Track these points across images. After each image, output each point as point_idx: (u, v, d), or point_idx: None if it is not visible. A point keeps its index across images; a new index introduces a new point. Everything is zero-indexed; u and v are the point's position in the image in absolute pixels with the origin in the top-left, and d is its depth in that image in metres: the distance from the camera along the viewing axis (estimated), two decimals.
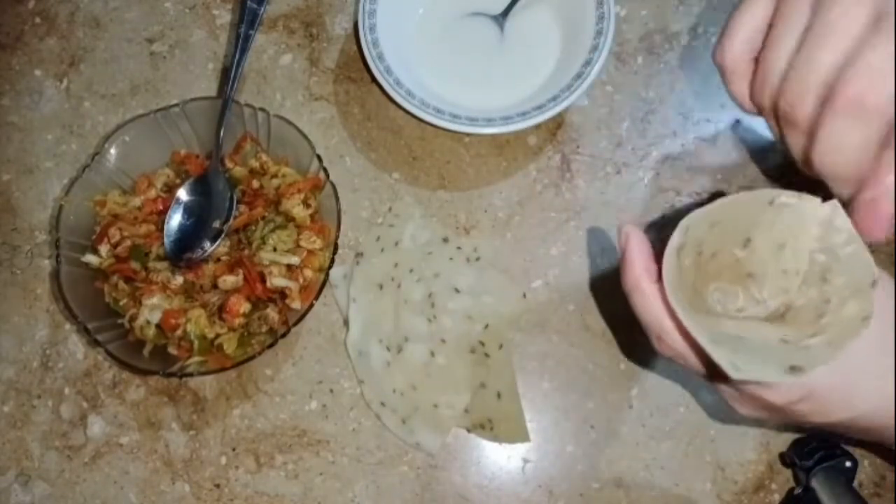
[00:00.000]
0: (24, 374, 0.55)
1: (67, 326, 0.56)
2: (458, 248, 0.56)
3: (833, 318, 0.32)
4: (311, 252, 0.53)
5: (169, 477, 0.52)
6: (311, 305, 0.50)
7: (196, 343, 0.51)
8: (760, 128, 0.59)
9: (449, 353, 0.53)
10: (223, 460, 0.52)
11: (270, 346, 0.49)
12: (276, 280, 0.52)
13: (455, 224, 0.57)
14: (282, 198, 0.54)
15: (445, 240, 0.56)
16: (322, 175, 0.53)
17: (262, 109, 0.54)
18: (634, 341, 0.53)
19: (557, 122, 0.60)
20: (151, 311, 0.51)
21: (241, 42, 0.56)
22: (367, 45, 0.57)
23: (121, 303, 0.52)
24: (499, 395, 0.52)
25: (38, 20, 0.65)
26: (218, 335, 0.51)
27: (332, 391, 0.54)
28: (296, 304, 0.52)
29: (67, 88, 0.63)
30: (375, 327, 0.54)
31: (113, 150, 0.54)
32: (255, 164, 0.56)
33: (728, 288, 0.35)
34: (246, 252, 0.53)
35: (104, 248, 0.53)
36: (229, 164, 0.56)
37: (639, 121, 0.60)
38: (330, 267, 0.51)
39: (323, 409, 0.53)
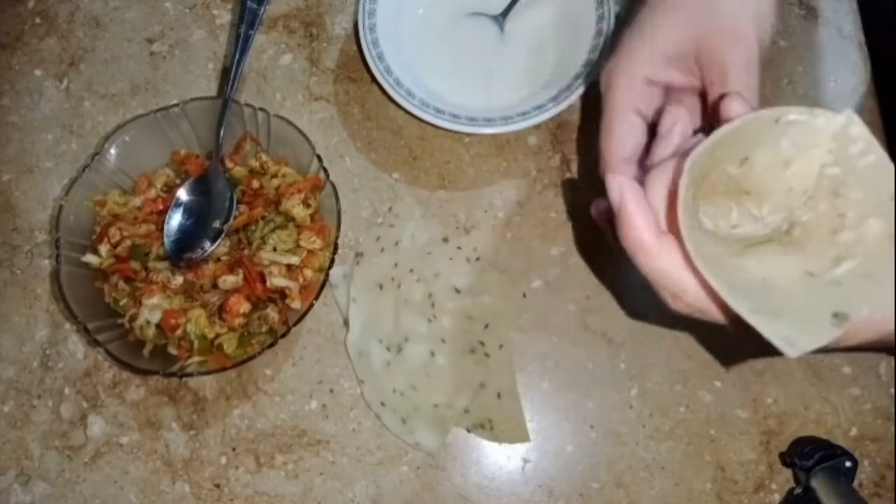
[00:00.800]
0: (24, 374, 0.55)
1: (67, 326, 0.56)
2: (458, 248, 0.56)
3: (854, 235, 0.30)
4: (311, 252, 0.53)
5: (169, 477, 0.52)
6: (311, 305, 0.50)
7: (196, 343, 0.51)
8: None
9: (449, 353, 0.53)
10: (223, 460, 0.52)
11: (270, 346, 0.49)
12: (276, 280, 0.52)
13: (455, 224, 0.57)
14: (282, 198, 0.54)
15: (445, 240, 0.56)
16: (322, 175, 0.53)
17: (262, 109, 0.54)
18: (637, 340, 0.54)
19: (557, 122, 0.60)
20: (151, 311, 0.51)
21: (240, 42, 0.56)
22: (367, 45, 0.57)
23: (121, 303, 0.52)
24: (499, 395, 0.52)
25: (38, 20, 0.65)
26: (218, 335, 0.51)
27: (332, 391, 0.54)
28: (296, 304, 0.52)
29: (67, 88, 0.63)
30: (375, 327, 0.54)
31: (113, 150, 0.54)
32: (255, 164, 0.56)
33: (720, 201, 0.32)
34: (246, 252, 0.53)
35: (104, 248, 0.53)
36: (229, 164, 0.56)
37: None
38: (330, 267, 0.51)
39: (323, 409, 0.53)
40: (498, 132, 0.54)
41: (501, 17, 0.61)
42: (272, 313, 0.52)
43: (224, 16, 0.65)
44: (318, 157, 0.53)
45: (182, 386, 0.54)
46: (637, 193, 0.32)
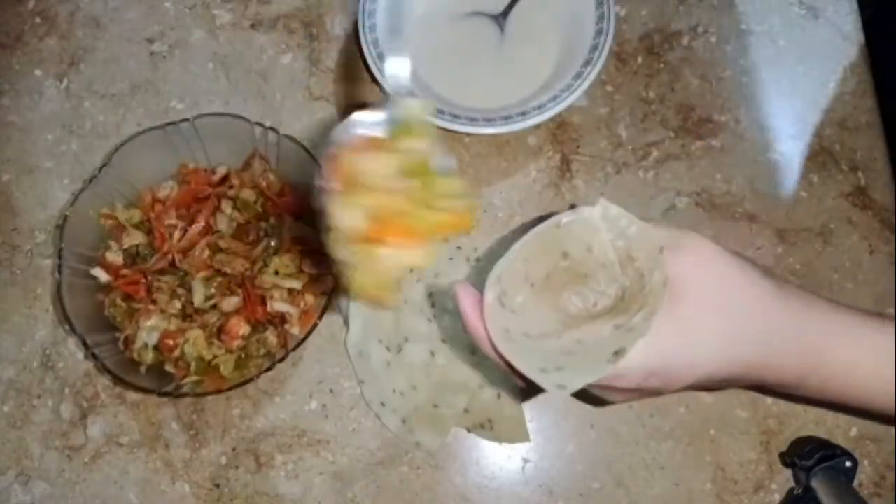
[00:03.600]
0: (24, 374, 0.55)
1: (67, 327, 0.56)
2: (458, 247, 0.56)
3: (650, 286, 0.36)
4: (312, 277, 0.52)
5: (169, 477, 0.52)
6: (311, 331, 0.49)
7: (193, 364, 0.50)
8: (760, 127, 0.59)
9: (449, 353, 0.53)
10: (223, 460, 0.52)
11: (268, 370, 0.48)
12: (277, 304, 0.51)
13: None
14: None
15: (445, 240, 0.56)
16: None
17: (273, 129, 0.53)
18: None
19: (557, 122, 0.60)
20: (149, 333, 0.51)
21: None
22: (367, 45, 0.57)
23: (117, 320, 0.52)
24: (499, 395, 0.52)
25: (38, 20, 0.65)
26: (215, 356, 0.51)
27: (332, 391, 0.54)
28: (294, 330, 0.51)
29: (67, 88, 0.63)
30: (375, 327, 0.54)
31: (121, 162, 0.53)
32: (262, 182, 0.55)
33: (579, 289, 0.38)
34: (248, 273, 0.52)
35: (114, 253, 0.53)
36: (234, 181, 0.55)
37: (639, 121, 0.60)
38: (333, 292, 0.50)
39: (323, 409, 0.53)
40: (498, 132, 0.54)
41: (501, 17, 0.61)
42: (271, 337, 0.51)
43: (224, 16, 0.65)
44: None
45: None
46: (471, 296, 0.38)
